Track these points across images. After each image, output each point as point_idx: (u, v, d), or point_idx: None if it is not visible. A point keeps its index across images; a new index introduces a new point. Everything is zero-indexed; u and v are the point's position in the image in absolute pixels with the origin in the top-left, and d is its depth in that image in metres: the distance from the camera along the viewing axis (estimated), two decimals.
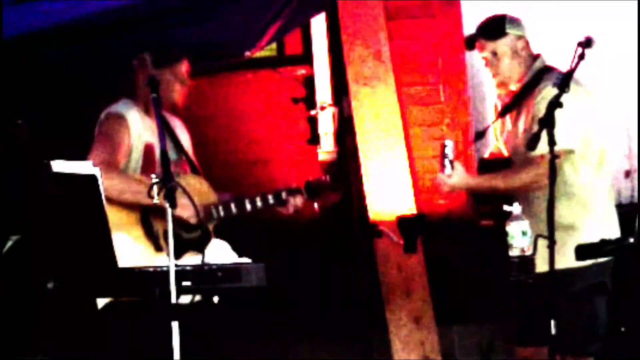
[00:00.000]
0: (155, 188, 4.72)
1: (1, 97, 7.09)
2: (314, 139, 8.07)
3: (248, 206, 5.58)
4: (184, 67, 5.71)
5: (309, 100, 8.22)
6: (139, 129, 5.59)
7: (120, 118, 5.56)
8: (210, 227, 5.51)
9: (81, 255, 4.51)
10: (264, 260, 4.81)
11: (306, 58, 8.29)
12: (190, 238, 5.54)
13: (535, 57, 5.85)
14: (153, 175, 4.94)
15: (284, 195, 5.63)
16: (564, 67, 5.07)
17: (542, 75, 5.73)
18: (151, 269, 4.93)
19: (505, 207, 5.21)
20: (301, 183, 5.74)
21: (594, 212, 5.62)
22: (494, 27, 5.87)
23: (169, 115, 5.82)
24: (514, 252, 5.11)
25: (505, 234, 5.28)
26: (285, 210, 5.66)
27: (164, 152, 4.80)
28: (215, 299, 4.78)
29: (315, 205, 5.76)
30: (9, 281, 4.39)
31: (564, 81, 4.89)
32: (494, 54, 5.83)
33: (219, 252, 4.96)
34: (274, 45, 8.12)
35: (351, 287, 7.50)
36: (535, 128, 5.39)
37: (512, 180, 5.64)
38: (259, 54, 7.65)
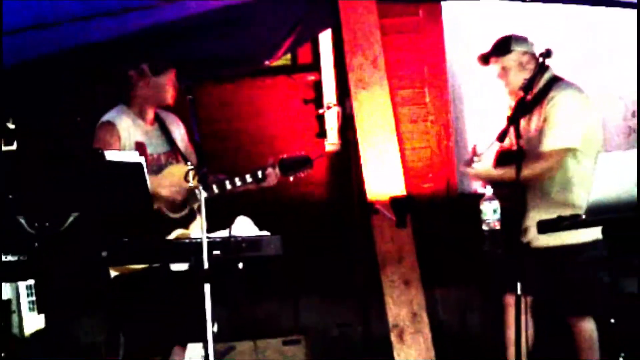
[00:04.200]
0: (190, 174, 4.70)
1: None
2: (322, 133, 8.06)
3: (228, 186, 5.54)
4: (174, 74, 5.67)
5: (318, 101, 8.20)
6: (128, 132, 5.55)
7: (110, 125, 5.52)
8: (195, 206, 5.45)
9: (130, 228, 4.50)
10: (281, 233, 4.79)
11: (315, 66, 8.25)
12: (176, 217, 5.52)
13: (546, 68, 5.80)
14: (189, 163, 4.89)
15: (259, 174, 5.58)
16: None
17: (552, 84, 5.75)
18: (187, 240, 4.91)
19: (479, 190, 5.18)
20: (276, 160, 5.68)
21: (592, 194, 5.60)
22: (502, 45, 5.91)
23: (164, 112, 5.79)
24: (486, 227, 5.09)
25: (479, 211, 5.26)
26: (267, 184, 5.61)
27: (197, 144, 4.77)
28: (240, 265, 4.75)
29: (291, 178, 5.70)
30: (69, 250, 4.37)
31: (529, 84, 4.89)
32: (503, 68, 5.86)
33: (243, 227, 4.91)
34: (288, 56, 8.09)
35: (352, 255, 7.48)
36: (542, 130, 5.59)
37: (527, 171, 5.63)
38: (277, 62, 7.66)
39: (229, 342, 6.51)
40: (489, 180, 5.99)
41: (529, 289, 5.73)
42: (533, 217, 5.66)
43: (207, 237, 4.49)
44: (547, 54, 4.86)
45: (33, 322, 11.28)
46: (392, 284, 6.78)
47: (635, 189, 4.59)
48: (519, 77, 5.79)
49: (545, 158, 5.59)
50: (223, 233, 4.77)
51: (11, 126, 8.78)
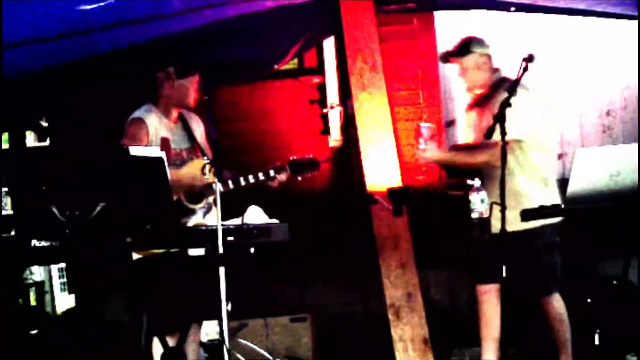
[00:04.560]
0: (206, 167, 4.72)
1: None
2: (326, 131, 8.07)
3: (242, 182, 5.54)
4: (197, 78, 5.67)
5: (322, 102, 8.22)
6: (155, 128, 5.55)
7: (140, 121, 5.52)
8: (211, 199, 5.47)
9: (151, 217, 4.51)
10: (288, 221, 4.81)
11: (320, 70, 8.26)
12: (193, 207, 5.53)
13: (496, 70, 5.93)
14: (205, 158, 4.91)
15: (271, 172, 5.58)
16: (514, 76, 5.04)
17: (500, 84, 5.77)
18: (203, 228, 4.93)
19: (469, 181, 5.18)
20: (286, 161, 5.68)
21: (541, 183, 5.63)
22: (463, 47, 5.94)
23: (186, 112, 5.79)
24: (474, 215, 5.09)
25: (468, 201, 5.26)
26: (273, 184, 5.61)
27: (213, 141, 4.78)
28: (251, 250, 4.77)
29: (299, 178, 5.70)
30: (97, 236, 4.39)
31: (512, 87, 4.89)
32: (463, 67, 5.88)
33: (255, 216, 4.93)
34: (295, 60, 8.11)
35: (353, 241, 7.49)
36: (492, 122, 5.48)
37: (473, 157, 5.72)
38: (285, 67, 7.66)
39: (242, 320, 6.53)
40: (440, 165, 6.06)
41: (497, 276, 5.77)
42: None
43: (222, 225, 4.51)
44: (530, 58, 4.85)
45: (64, 301, 11.32)
46: (389, 267, 6.78)
47: (610, 181, 4.61)
48: (477, 76, 5.90)
49: (493, 147, 5.44)
50: (236, 221, 4.79)
51: (44, 124, 8.82)
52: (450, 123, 6.33)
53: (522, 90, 5.60)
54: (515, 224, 5.35)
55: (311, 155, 5.71)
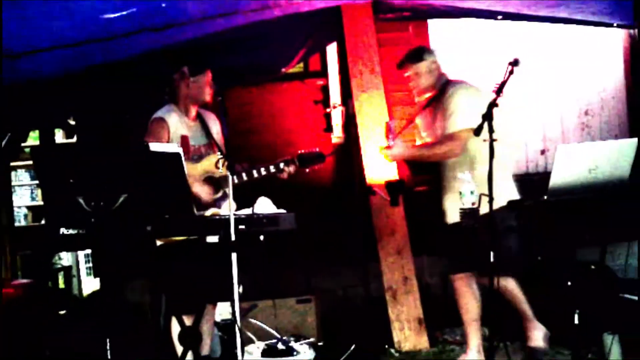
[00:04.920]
0: (220, 162, 4.70)
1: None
2: (329, 128, 8.06)
3: (255, 174, 5.52)
4: (209, 75, 5.64)
5: (325, 102, 8.20)
6: (176, 126, 5.52)
7: (162, 120, 5.49)
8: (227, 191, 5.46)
9: (169, 207, 4.50)
10: (295, 211, 4.79)
11: (323, 73, 8.24)
12: (211, 199, 5.51)
13: (442, 74, 5.90)
14: (218, 153, 4.89)
15: (281, 165, 5.55)
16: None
17: (446, 86, 5.76)
18: (217, 217, 4.91)
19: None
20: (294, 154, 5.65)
21: (502, 174, 5.45)
22: (416, 55, 5.93)
23: (204, 111, 5.75)
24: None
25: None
26: (282, 176, 5.58)
27: (226, 138, 4.76)
28: (261, 237, 4.75)
29: (307, 170, 5.67)
30: (119, 225, 4.38)
31: (500, 88, 4.82)
32: (416, 73, 5.86)
33: (264, 206, 4.91)
34: (301, 64, 8.09)
35: (354, 229, 7.48)
36: (444, 119, 5.57)
37: (435, 150, 5.66)
38: (292, 70, 7.64)
39: (252, 301, 6.52)
40: (406, 160, 6.01)
41: (466, 266, 5.74)
42: (448, 199, 5.68)
43: (234, 214, 4.49)
44: (515, 62, 4.80)
45: (90, 284, 11.33)
46: (387, 253, 6.78)
47: (588, 175, 4.59)
48: (428, 81, 5.87)
49: (450, 139, 5.54)
50: (247, 211, 4.78)
51: (72, 122, 8.81)
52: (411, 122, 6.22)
53: (468, 87, 5.69)
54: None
55: (317, 149, 5.67)
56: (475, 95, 5.63)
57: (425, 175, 5.78)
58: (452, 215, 5.64)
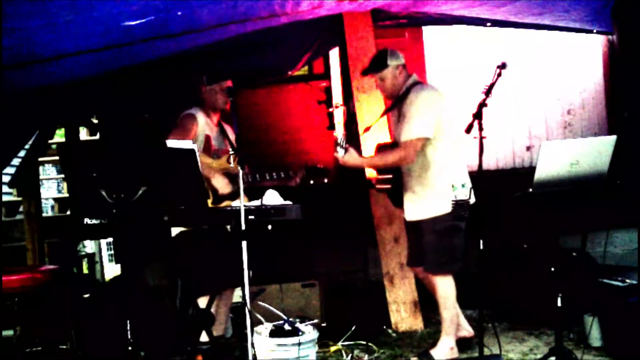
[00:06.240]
0: (231, 157, 4.70)
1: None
2: (331, 126, 8.04)
3: (267, 177, 5.53)
4: (226, 84, 5.63)
5: (328, 102, 8.20)
6: (203, 126, 5.54)
7: (191, 116, 5.50)
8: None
9: (184, 199, 4.51)
10: (300, 203, 4.79)
11: (326, 75, 8.26)
12: (225, 193, 5.52)
13: (410, 75, 5.69)
14: (230, 149, 4.90)
15: (291, 173, 5.56)
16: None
17: (411, 87, 5.56)
18: (229, 208, 4.92)
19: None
20: (303, 167, 5.64)
21: (448, 178, 5.36)
22: (379, 61, 5.69)
23: (223, 123, 5.79)
24: (458, 197, 5.05)
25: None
26: (290, 183, 5.58)
27: (238, 136, 4.76)
28: (269, 226, 4.76)
29: (311, 182, 5.66)
30: (139, 215, 4.39)
31: (489, 89, 4.77)
32: (381, 78, 5.68)
33: (272, 198, 4.92)
34: (306, 67, 8.08)
35: (354, 219, 7.47)
36: (405, 120, 5.40)
37: (387, 159, 5.52)
38: (297, 73, 7.64)
39: (261, 286, 6.52)
40: (361, 167, 5.85)
41: (416, 260, 5.72)
42: (408, 197, 5.61)
43: (244, 206, 4.50)
44: (503, 65, 4.76)
45: (112, 270, 11.34)
46: (385, 241, 6.77)
47: (570, 169, 4.58)
48: (395, 85, 5.64)
49: (402, 147, 5.39)
50: (256, 202, 4.78)
51: (95, 121, 8.82)
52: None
53: (428, 90, 5.50)
54: (427, 212, 5.43)
55: (324, 166, 5.66)
56: (436, 100, 5.45)
57: (387, 175, 5.69)
58: (409, 213, 5.61)
